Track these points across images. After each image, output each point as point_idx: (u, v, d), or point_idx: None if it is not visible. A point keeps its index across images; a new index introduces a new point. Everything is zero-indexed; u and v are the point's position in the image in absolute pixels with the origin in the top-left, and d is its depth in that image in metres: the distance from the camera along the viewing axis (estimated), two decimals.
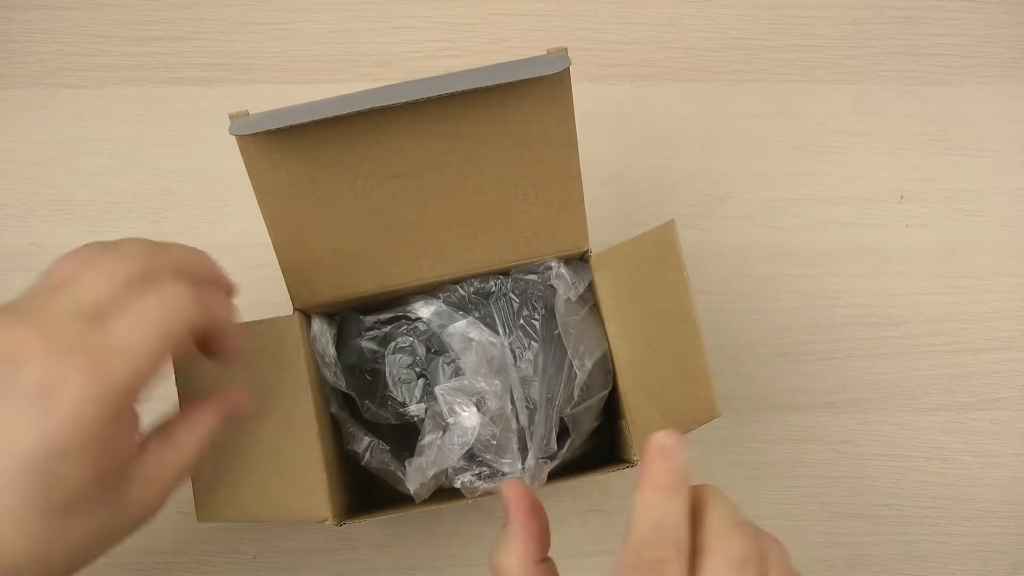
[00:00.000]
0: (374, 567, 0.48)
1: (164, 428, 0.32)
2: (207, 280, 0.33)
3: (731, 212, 0.50)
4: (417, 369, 0.38)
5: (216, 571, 0.48)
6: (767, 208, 0.50)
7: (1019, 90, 0.51)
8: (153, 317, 0.28)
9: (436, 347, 0.38)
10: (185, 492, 0.47)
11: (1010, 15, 0.51)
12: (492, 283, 0.38)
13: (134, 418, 0.29)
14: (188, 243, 0.47)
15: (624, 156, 0.50)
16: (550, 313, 0.38)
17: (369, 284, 0.37)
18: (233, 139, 0.50)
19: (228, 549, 0.47)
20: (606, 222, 0.49)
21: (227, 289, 0.34)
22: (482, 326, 0.37)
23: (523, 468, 0.36)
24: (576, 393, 0.37)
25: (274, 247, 0.36)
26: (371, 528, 0.48)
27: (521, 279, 0.39)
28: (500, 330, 0.37)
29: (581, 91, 0.51)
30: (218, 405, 0.33)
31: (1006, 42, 0.51)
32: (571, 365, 0.37)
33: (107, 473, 0.28)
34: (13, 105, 0.49)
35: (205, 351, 0.33)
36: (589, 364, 0.37)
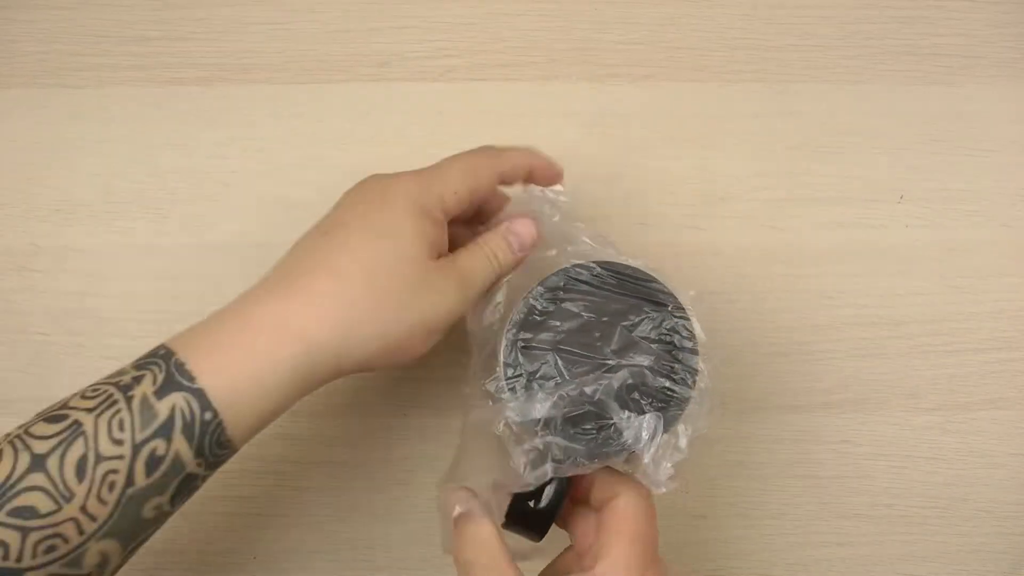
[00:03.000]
0: (374, 567, 0.48)
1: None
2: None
3: (731, 212, 0.50)
4: None
5: (216, 571, 0.48)
6: (767, 208, 0.50)
7: (1019, 90, 0.51)
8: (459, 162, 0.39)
9: None
10: None
11: (1010, 15, 0.51)
12: None
13: (442, 227, 0.38)
14: (189, 244, 0.47)
15: (624, 156, 0.50)
16: None
17: None
18: (233, 139, 0.50)
19: (228, 549, 0.47)
20: (606, 222, 0.49)
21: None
22: None
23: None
24: None
25: None
26: (373, 528, 0.48)
27: None
28: None
29: (581, 91, 0.51)
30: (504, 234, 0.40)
31: (1006, 42, 0.51)
32: None
33: (437, 252, 0.37)
34: (13, 105, 0.49)
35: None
36: None
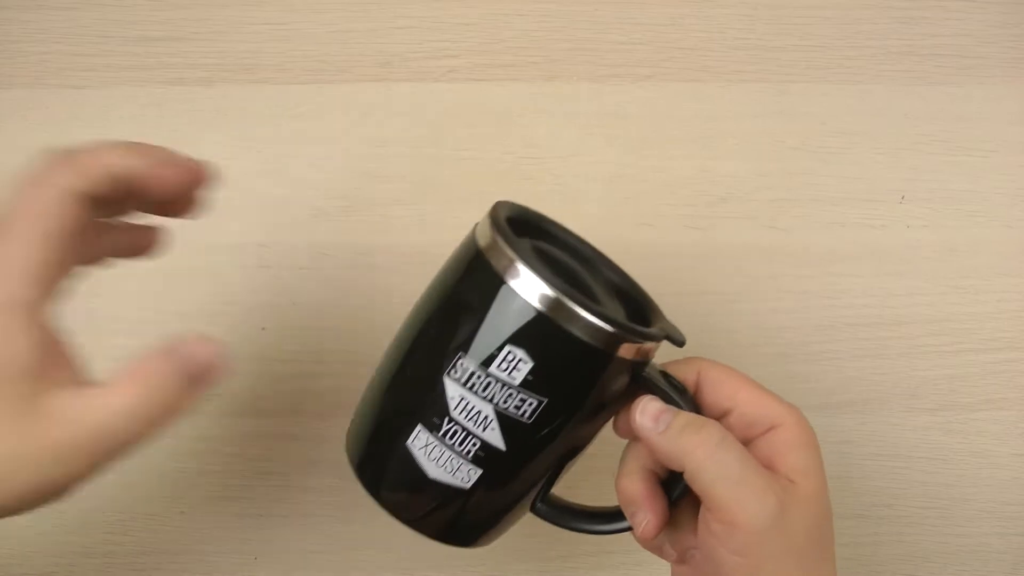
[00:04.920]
0: (375, 567, 0.48)
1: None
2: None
3: (731, 212, 0.50)
4: None
5: (216, 571, 0.48)
6: (767, 208, 0.50)
7: (1019, 90, 0.51)
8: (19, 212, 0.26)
9: None
10: (184, 491, 0.47)
11: (1010, 15, 0.51)
12: None
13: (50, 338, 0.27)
14: (189, 243, 0.47)
15: (624, 156, 0.50)
16: None
17: None
18: (234, 139, 0.50)
19: (228, 549, 0.47)
20: (606, 222, 0.50)
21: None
22: None
23: None
24: None
25: None
26: (372, 528, 0.48)
27: None
28: None
29: (581, 91, 0.51)
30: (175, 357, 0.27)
31: (1006, 42, 0.51)
32: None
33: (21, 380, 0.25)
34: (14, 105, 0.49)
35: (155, 208, 0.30)
36: None
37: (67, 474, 0.25)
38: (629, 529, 0.34)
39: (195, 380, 0.27)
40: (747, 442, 0.33)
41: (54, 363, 0.27)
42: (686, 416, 0.32)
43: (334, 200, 0.49)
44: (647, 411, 0.32)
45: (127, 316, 0.48)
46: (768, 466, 0.32)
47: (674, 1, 0.50)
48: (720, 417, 0.34)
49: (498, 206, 0.34)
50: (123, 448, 0.26)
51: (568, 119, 0.50)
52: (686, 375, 0.34)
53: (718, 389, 0.34)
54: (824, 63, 0.50)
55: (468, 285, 0.33)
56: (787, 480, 0.32)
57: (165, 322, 0.47)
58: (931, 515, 0.49)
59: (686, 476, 0.32)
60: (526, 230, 0.35)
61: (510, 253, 0.31)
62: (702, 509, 0.32)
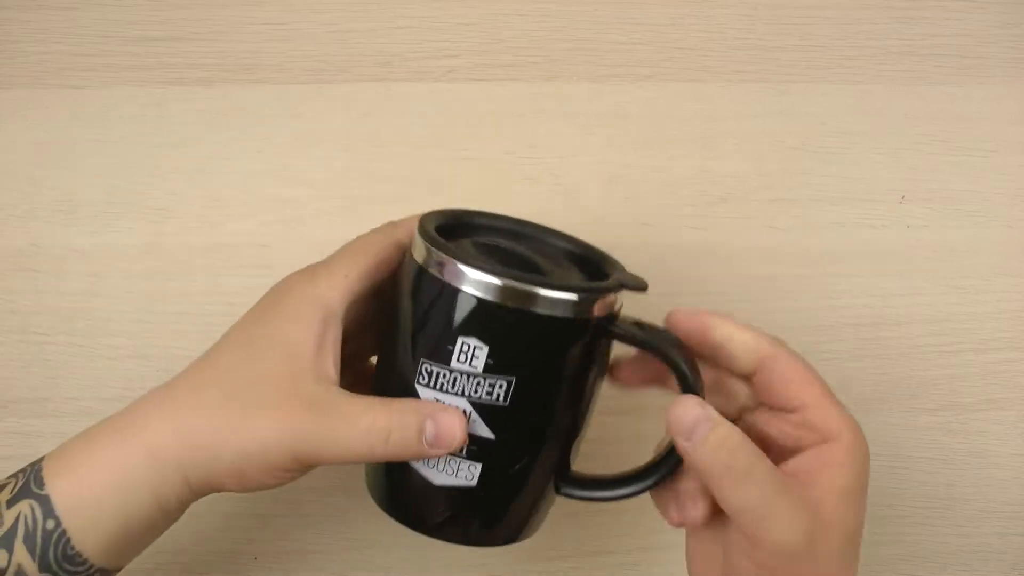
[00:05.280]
0: (375, 567, 0.48)
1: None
2: None
3: (731, 212, 0.50)
4: None
5: (217, 572, 0.48)
6: (767, 208, 0.50)
7: (1019, 90, 0.51)
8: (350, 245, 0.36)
9: None
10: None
11: (1010, 15, 0.51)
12: None
13: (328, 323, 0.33)
14: (189, 243, 0.47)
15: (624, 156, 0.50)
16: None
17: None
18: (234, 139, 0.50)
19: (229, 550, 0.47)
20: (606, 222, 0.50)
21: None
22: None
23: None
24: None
25: None
26: (372, 528, 0.48)
27: None
28: None
29: (581, 91, 0.51)
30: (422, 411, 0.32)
31: (1006, 42, 0.51)
32: None
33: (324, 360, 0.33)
34: (14, 105, 0.49)
35: None
36: None
37: (312, 450, 0.31)
38: (665, 478, 0.34)
39: (433, 444, 0.32)
40: (797, 449, 0.33)
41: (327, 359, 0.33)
42: (722, 433, 0.31)
43: (334, 200, 0.49)
44: (684, 417, 0.31)
45: (127, 316, 0.48)
46: (810, 478, 0.32)
47: (674, 1, 0.50)
48: (779, 410, 0.34)
49: (424, 219, 0.35)
50: (342, 455, 0.32)
51: (568, 119, 0.50)
52: (737, 352, 0.34)
53: (786, 388, 0.33)
54: (824, 63, 0.50)
55: (418, 300, 0.33)
56: (821, 500, 0.31)
57: (165, 322, 0.47)
58: (931, 515, 0.49)
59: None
60: (465, 231, 0.37)
61: (441, 256, 0.32)
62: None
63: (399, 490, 0.36)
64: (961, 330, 0.50)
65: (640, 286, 0.34)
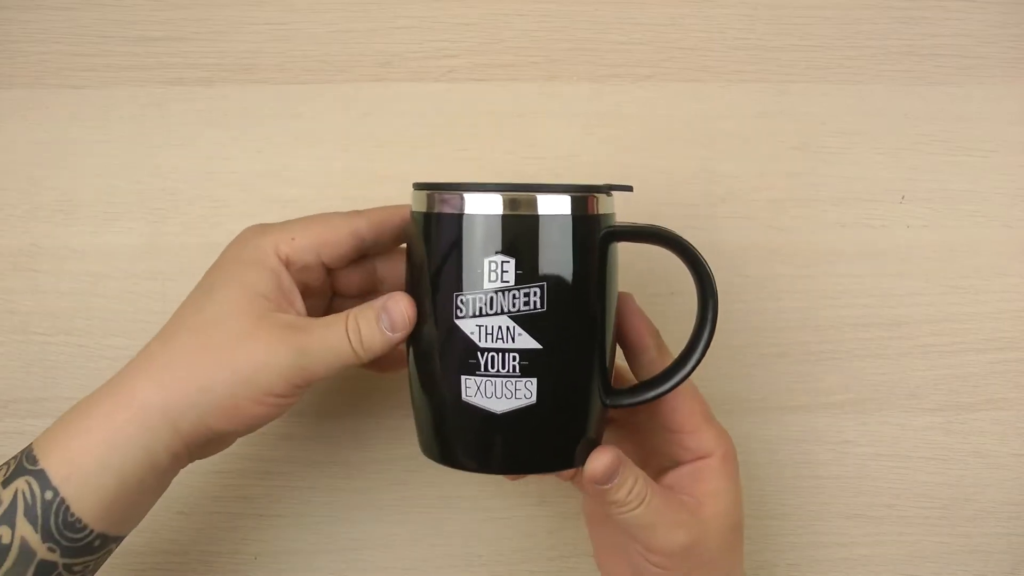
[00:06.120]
0: (375, 567, 0.48)
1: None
2: None
3: (731, 212, 0.50)
4: None
5: (217, 571, 0.48)
6: (767, 208, 0.50)
7: (1019, 90, 0.51)
8: (310, 216, 0.39)
9: None
10: (184, 491, 0.47)
11: (1010, 15, 0.51)
12: None
13: (276, 276, 0.36)
14: (189, 243, 0.48)
15: (624, 156, 0.50)
16: None
17: None
18: (234, 139, 0.50)
19: (229, 549, 0.47)
20: None
21: None
22: None
23: None
24: None
25: None
26: (373, 528, 0.48)
27: None
28: None
29: (581, 91, 0.51)
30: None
31: (1006, 42, 0.51)
32: None
33: (273, 304, 0.35)
34: (13, 105, 0.49)
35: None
36: None
37: (295, 368, 0.34)
38: (701, 359, 0.37)
39: (393, 328, 0.35)
40: (676, 464, 0.39)
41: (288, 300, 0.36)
42: (629, 487, 0.36)
43: (334, 200, 0.49)
44: (597, 468, 0.35)
45: (127, 316, 0.48)
46: (689, 487, 0.38)
47: (674, 1, 0.50)
48: (664, 429, 0.39)
49: (416, 184, 0.37)
50: (327, 364, 0.35)
51: (568, 119, 0.50)
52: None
53: (672, 415, 0.39)
54: (824, 63, 0.50)
55: (434, 244, 0.36)
56: (698, 503, 0.38)
57: (164, 322, 0.47)
58: (932, 515, 0.49)
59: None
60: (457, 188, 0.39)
61: (444, 194, 0.35)
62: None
63: (464, 434, 0.36)
64: (962, 330, 0.50)
65: (626, 187, 0.38)
